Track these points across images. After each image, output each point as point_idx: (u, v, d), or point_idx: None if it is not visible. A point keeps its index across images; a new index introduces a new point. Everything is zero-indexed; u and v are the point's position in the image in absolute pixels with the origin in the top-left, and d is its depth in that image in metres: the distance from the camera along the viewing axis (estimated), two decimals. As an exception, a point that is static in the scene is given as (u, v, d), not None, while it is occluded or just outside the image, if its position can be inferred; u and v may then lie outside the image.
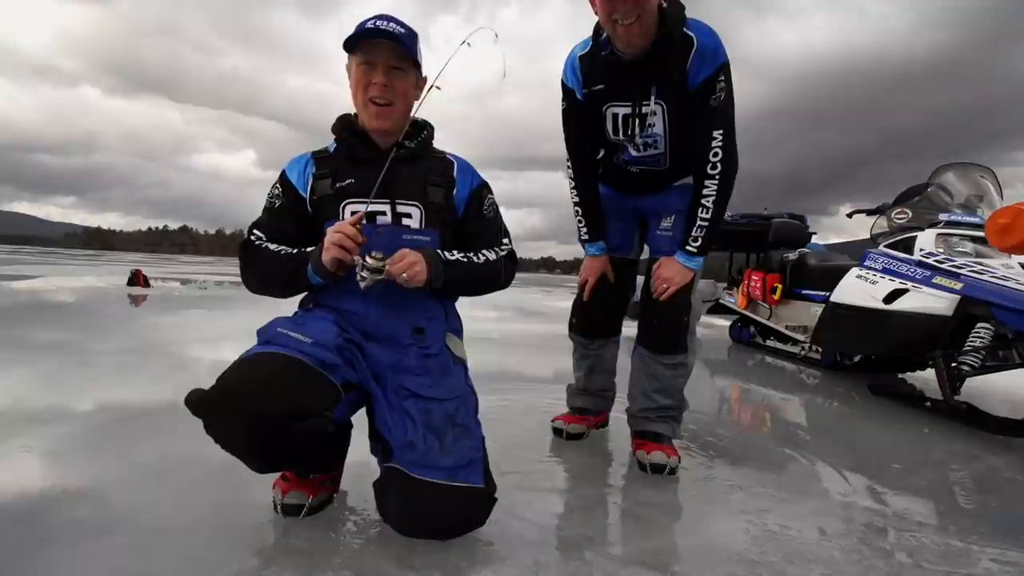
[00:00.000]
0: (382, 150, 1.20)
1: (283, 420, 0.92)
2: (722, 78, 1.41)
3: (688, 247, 1.53)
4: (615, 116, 1.52)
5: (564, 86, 1.57)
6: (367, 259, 1.04)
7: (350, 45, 1.15)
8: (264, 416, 0.92)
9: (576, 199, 1.67)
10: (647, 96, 1.45)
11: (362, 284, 1.04)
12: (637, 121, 1.49)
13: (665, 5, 1.37)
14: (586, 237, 1.69)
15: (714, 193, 1.46)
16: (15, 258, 17.86)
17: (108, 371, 2.57)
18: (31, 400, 1.98)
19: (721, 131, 1.43)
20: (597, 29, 1.47)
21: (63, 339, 3.25)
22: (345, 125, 1.23)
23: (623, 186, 1.69)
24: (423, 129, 1.26)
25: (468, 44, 1.17)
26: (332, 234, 1.05)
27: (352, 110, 1.24)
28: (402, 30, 1.15)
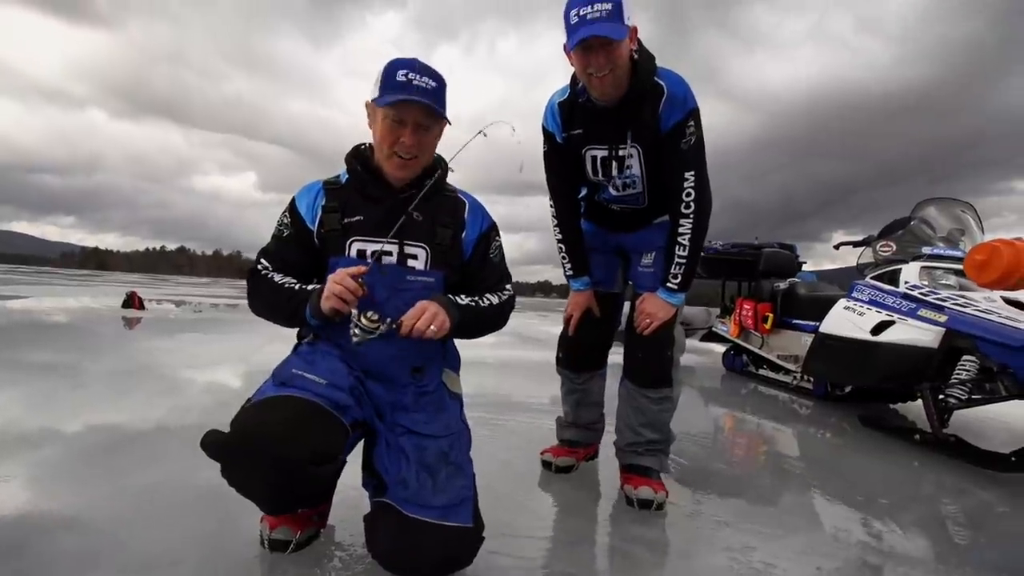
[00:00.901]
0: (395, 189, 1.20)
1: (301, 465, 0.93)
2: (691, 123, 1.47)
3: (669, 284, 1.57)
4: (594, 158, 1.58)
5: (545, 130, 1.64)
6: (362, 319, 1.04)
7: (382, 100, 1.12)
8: (283, 462, 0.92)
9: (559, 236, 1.72)
10: (623, 140, 1.52)
11: (354, 340, 1.05)
12: (615, 163, 1.56)
13: (636, 57, 1.44)
14: (571, 273, 1.73)
15: (689, 231, 1.52)
16: (11, 278, 17.79)
17: (100, 394, 2.56)
18: (21, 422, 1.97)
19: (692, 172, 1.49)
20: (574, 78, 1.53)
21: (56, 361, 3.24)
22: (358, 158, 1.23)
23: (606, 223, 1.75)
24: (436, 168, 1.26)
25: (484, 134, 1.18)
26: (333, 284, 1.05)
27: (366, 139, 1.25)
28: (433, 84, 1.14)
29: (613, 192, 1.63)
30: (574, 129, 1.57)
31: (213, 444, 0.93)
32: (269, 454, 0.91)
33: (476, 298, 1.20)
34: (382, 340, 1.07)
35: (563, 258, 1.73)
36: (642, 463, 1.62)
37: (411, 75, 1.12)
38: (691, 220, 1.51)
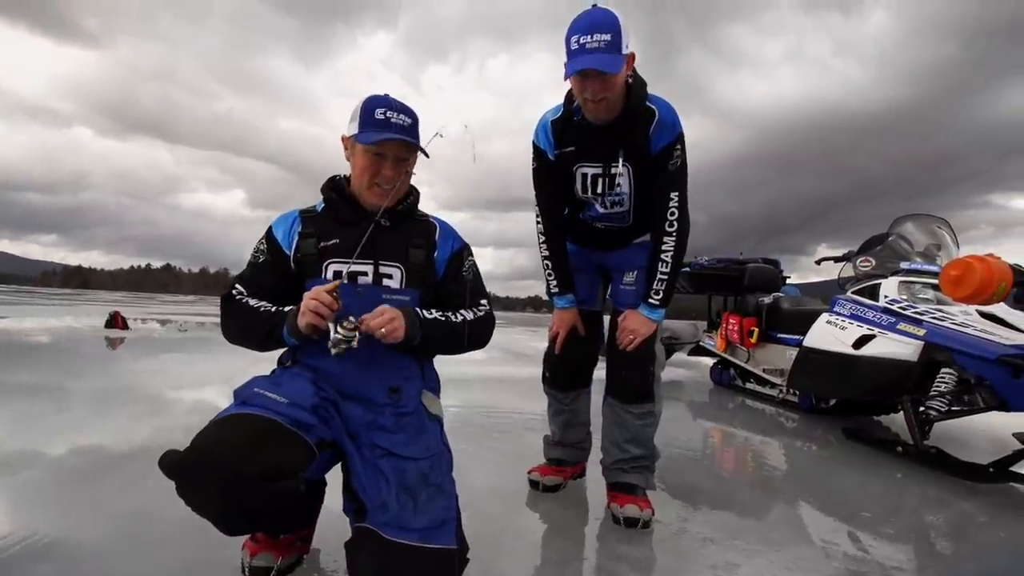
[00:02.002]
0: (369, 213, 1.24)
1: (256, 482, 0.92)
2: (678, 146, 1.53)
3: (651, 300, 1.61)
4: (584, 175, 1.62)
5: (536, 147, 1.67)
6: (339, 328, 1.06)
7: (364, 138, 1.18)
8: (237, 478, 0.92)
9: (546, 253, 1.73)
10: (615, 159, 1.56)
11: (333, 351, 1.07)
12: (606, 181, 1.60)
13: (631, 81, 1.49)
14: (556, 290, 1.74)
15: (672, 248, 1.57)
16: (-11, 298, 17.43)
17: (82, 416, 2.51)
18: (1, 444, 1.94)
19: (677, 193, 1.55)
20: (569, 96, 1.57)
21: (38, 382, 3.18)
22: (334, 187, 1.28)
23: (589, 242, 1.79)
24: (408, 194, 1.31)
25: (440, 135, 1.23)
26: (308, 300, 1.08)
27: (342, 171, 1.30)
28: (409, 121, 1.20)
29: (600, 210, 1.67)
30: (567, 147, 1.61)
31: (168, 463, 0.92)
32: (221, 470, 0.91)
33: (448, 314, 1.23)
34: (360, 346, 1.08)
35: (548, 275, 1.74)
36: (628, 480, 1.63)
37: (389, 113, 1.19)
38: (674, 238, 1.56)
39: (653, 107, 1.51)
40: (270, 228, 1.26)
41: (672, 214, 1.55)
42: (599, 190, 1.61)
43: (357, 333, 1.07)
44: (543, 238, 1.73)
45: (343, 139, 1.25)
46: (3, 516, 1.40)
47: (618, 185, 1.59)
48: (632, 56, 1.45)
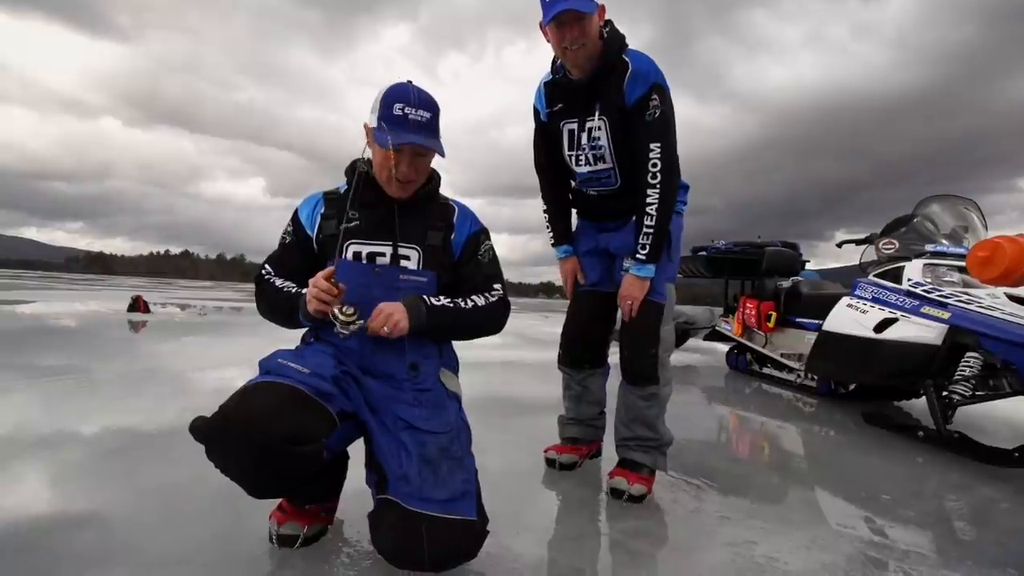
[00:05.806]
0: (389, 196, 1.26)
1: (280, 446, 0.96)
2: (655, 96, 1.52)
3: (638, 255, 1.58)
4: (570, 132, 1.67)
5: (534, 108, 1.77)
6: (339, 313, 1.09)
7: (380, 140, 1.17)
8: (262, 442, 0.96)
9: (544, 207, 1.86)
10: (592, 113, 1.60)
11: (340, 335, 1.11)
12: (584, 134, 1.63)
13: (606, 35, 1.55)
14: (553, 241, 1.86)
15: (656, 200, 1.53)
16: (16, 283, 17.92)
17: (111, 397, 2.59)
18: (36, 423, 2.01)
19: (658, 144, 1.52)
20: (554, 60, 1.66)
21: (67, 364, 3.27)
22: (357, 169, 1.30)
23: (590, 214, 1.83)
24: (430, 179, 1.32)
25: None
26: (311, 288, 1.11)
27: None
28: (428, 115, 1.19)
29: (585, 169, 1.68)
30: (556, 105, 1.68)
31: (197, 428, 0.97)
32: (246, 434, 0.96)
33: (458, 299, 1.24)
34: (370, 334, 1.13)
35: (547, 227, 1.86)
36: (634, 458, 1.65)
37: (407, 109, 1.17)
38: (657, 190, 1.53)
39: (628, 60, 1.54)
40: (296, 210, 1.30)
41: (654, 165, 1.52)
42: (583, 144, 1.64)
43: (355, 319, 1.10)
44: (542, 193, 1.85)
45: (365, 126, 1.25)
46: (42, 490, 1.46)
47: (596, 139, 1.61)
48: (603, 8, 1.52)
